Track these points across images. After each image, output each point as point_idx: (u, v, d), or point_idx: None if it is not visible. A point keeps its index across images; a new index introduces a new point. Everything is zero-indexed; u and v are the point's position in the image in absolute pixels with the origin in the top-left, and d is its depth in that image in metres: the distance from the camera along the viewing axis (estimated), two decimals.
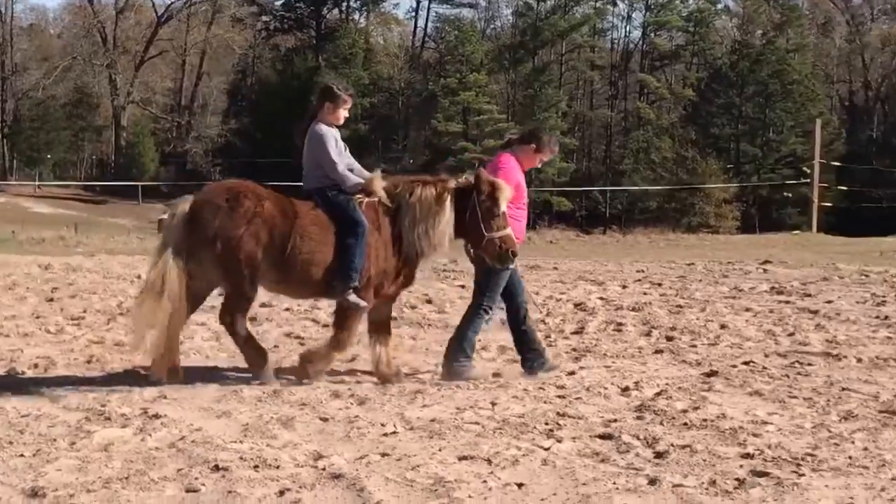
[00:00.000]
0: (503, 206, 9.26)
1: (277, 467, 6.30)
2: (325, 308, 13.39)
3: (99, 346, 10.87)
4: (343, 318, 9.13)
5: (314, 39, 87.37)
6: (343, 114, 9.39)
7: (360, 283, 8.96)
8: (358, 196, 9.14)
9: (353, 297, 8.96)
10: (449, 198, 9.26)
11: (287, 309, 13.31)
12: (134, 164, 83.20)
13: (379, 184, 9.29)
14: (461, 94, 77.17)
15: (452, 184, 9.39)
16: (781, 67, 77.48)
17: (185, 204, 8.91)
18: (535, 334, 9.98)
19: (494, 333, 10.70)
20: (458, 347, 9.48)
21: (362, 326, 9.30)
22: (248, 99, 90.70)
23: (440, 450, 6.78)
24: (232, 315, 8.91)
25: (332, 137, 9.24)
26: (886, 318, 13.34)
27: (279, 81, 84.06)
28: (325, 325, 12.16)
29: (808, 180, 35.34)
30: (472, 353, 9.57)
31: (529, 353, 9.69)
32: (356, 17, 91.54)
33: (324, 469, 6.28)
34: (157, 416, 7.50)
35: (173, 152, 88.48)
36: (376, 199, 9.19)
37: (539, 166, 10.38)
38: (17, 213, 58.19)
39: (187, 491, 5.85)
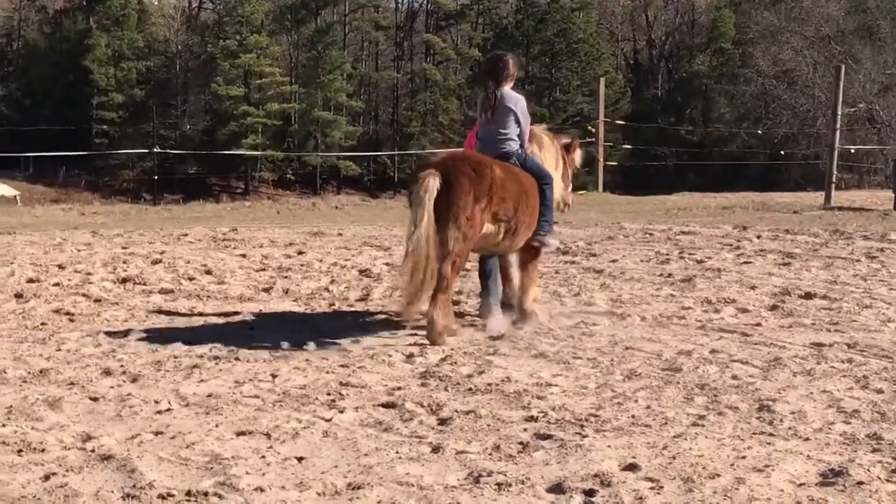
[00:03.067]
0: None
1: (43, 451, 6.10)
2: (97, 283, 13.08)
3: None
4: (531, 255, 10.60)
5: (84, 1, 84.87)
6: None
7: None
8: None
9: (551, 240, 10.73)
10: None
11: (56, 284, 12.91)
12: None
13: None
14: (242, 57, 76.28)
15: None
16: (566, 26, 79.09)
17: (434, 178, 9.39)
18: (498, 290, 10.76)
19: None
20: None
21: None
22: (15, 64, 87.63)
23: (217, 426, 6.67)
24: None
25: None
26: (670, 275, 13.70)
27: (48, 45, 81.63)
28: (98, 300, 11.87)
29: (594, 139, 36.06)
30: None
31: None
32: None
33: (93, 451, 6.11)
34: None
35: None
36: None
37: None
38: None
39: None
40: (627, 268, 14.52)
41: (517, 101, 10.35)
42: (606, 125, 39.24)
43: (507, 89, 10.38)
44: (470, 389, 7.66)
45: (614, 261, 15.30)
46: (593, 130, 37.05)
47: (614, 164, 46.07)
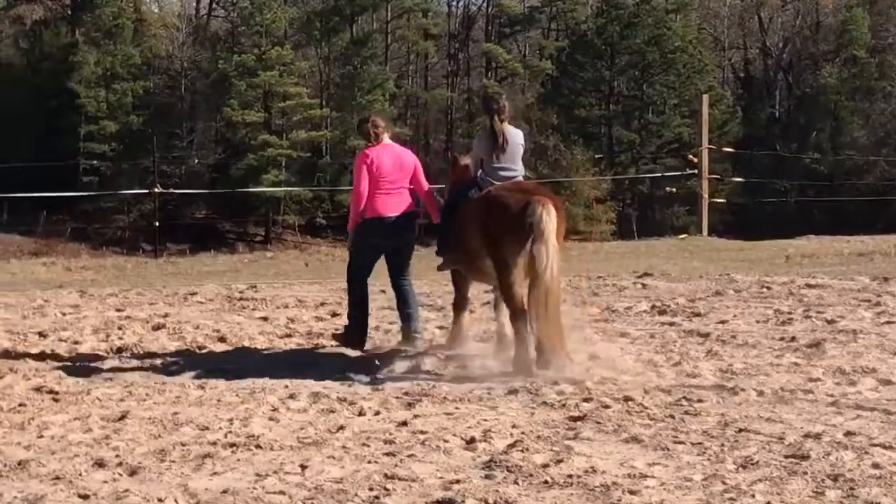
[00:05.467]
0: None
1: None
2: (88, 353, 13.18)
3: None
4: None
5: (68, 9, 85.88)
6: None
7: None
8: None
9: None
10: None
11: (37, 356, 13.05)
12: None
13: None
14: (261, 75, 76.73)
15: None
16: (660, 32, 78.88)
17: (548, 205, 11.72)
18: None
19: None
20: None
21: None
22: None
23: None
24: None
25: None
26: (793, 339, 13.63)
27: (25, 63, 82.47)
28: (87, 376, 11.96)
29: (696, 171, 35.99)
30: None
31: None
32: None
33: None
34: None
35: None
36: None
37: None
38: None
39: None
40: (740, 330, 14.46)
41: (523, 139, 13.15)
42: (711, 153, 39.19)
43: (511, 127, 12.95)
44: (545, 482, 7.65)
45: (723, 322, 15.25)
46: (695, 160, 37.04)
47: (721, 201, 45.99)
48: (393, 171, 13.17)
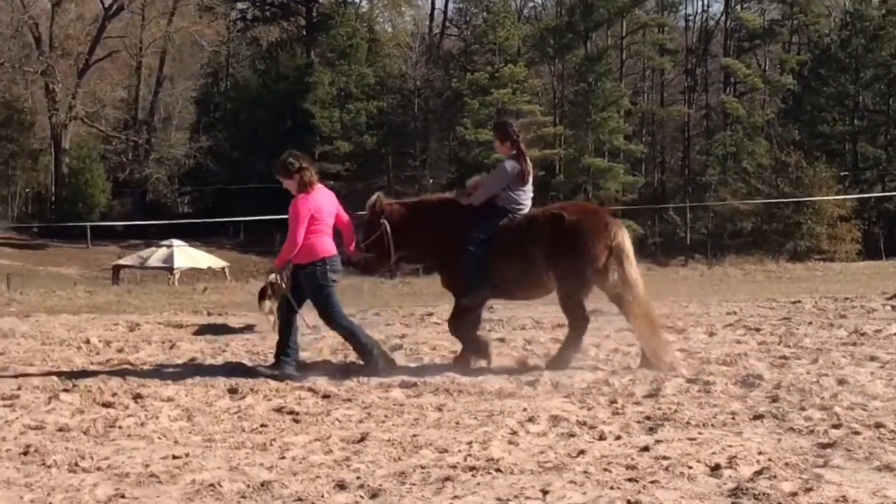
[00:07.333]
0: None
1: None
2: (327, 374, 13.41)
3: (38, 432, 10.83)
4: None
5: (304, 30, 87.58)
6: None
7: None
8: None
9: None
10: None
11: (279, 378, 13.31)
12: (80, 196, 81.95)
13: None
14: (494, 93, 77.23)
15: None
16: None
17: (622, 226, 13.61)
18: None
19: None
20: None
21: None
22: (223, 109, 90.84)
23: None
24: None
25: None
26: None
27: (261, 85, 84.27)
28: (326, 396, 12.18)
29: None
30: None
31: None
32: None
33: None
34: None
35: (129, 180, 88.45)
36: None
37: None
38: None
39: None
40: None
41: None
42: None
43: None
44: None
45: None
46: None
47: None
48: (330, 213, 14.07)
